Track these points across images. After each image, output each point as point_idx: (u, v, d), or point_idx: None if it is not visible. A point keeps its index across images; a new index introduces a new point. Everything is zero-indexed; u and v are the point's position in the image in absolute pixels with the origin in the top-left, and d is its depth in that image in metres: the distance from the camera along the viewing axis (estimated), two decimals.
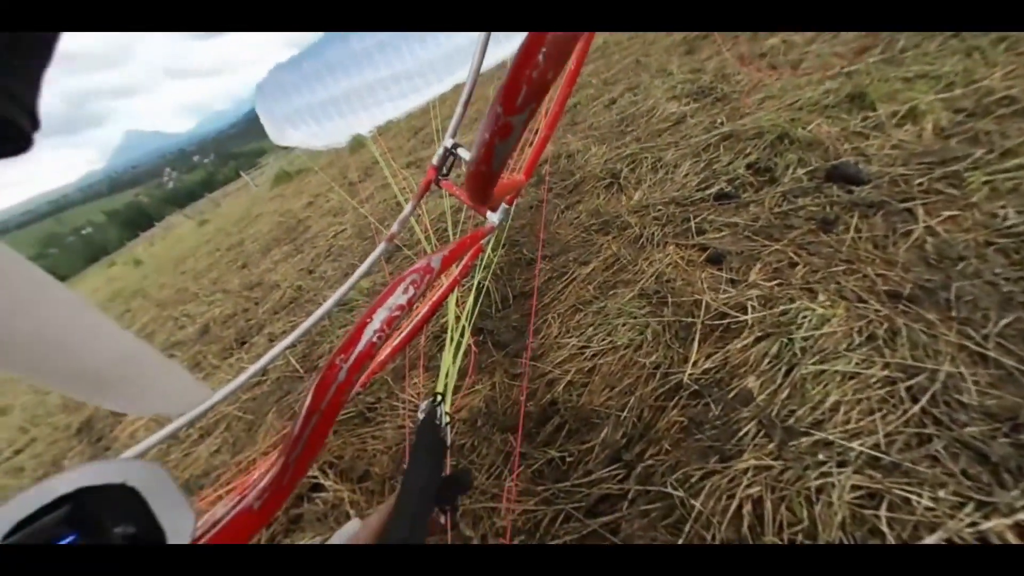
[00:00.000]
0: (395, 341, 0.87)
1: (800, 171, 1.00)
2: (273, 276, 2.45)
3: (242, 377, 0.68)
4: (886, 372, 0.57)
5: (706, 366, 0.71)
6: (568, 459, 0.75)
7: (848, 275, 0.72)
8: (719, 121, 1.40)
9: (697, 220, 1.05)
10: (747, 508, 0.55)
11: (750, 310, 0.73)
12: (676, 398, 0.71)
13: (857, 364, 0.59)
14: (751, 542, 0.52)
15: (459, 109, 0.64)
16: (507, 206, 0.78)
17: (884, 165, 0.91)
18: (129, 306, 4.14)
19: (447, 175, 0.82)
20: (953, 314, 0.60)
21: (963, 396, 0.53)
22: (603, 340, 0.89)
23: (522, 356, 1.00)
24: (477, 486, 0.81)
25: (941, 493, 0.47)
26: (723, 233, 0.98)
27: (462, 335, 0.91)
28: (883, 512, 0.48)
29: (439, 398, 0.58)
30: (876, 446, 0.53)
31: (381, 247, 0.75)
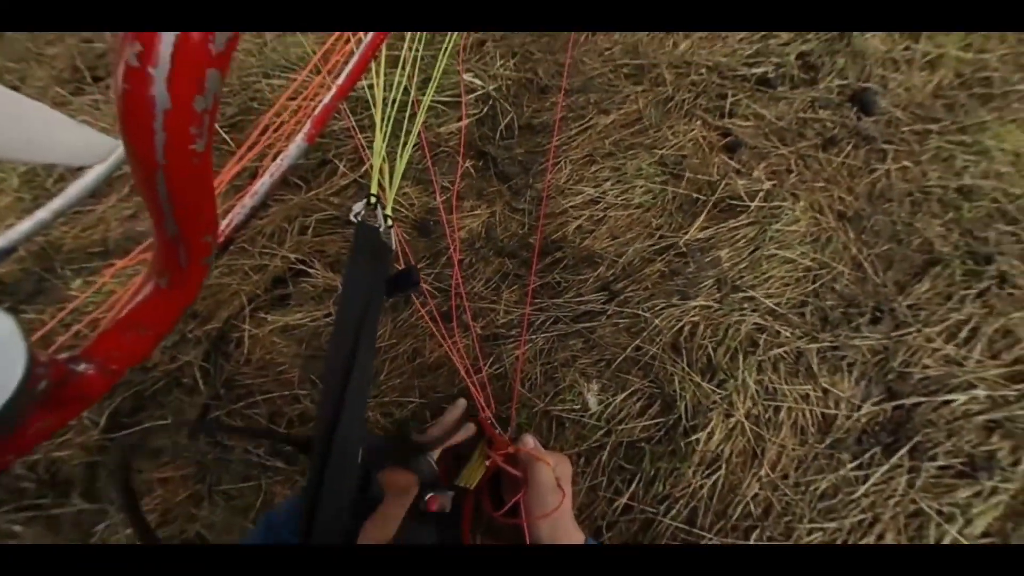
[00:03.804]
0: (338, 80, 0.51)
1: (836, 82, 1.04)
2: None
3: None
4: (808, 263, 0.84)
5: (699, 236, 0.89)
6: (563, 284, 0.92)
7: (822, 192, 0.91)
8: None
9: (733, 100, 1.05)
10: (688, 327, 0.83)
11: (757, 199, 0.88)
12: (665, 254, 0.89)
13: (797, 255, 0.84)
14: (684, 349, 0.81)
15: None
16: None
17: (891, 103, 1.02)
18: None
19: None
20: (864, 237, 0.86)
21: (836, 285, 0.83)
22: (618, 196, 0.96)
23: (525, 194, 1.02)
24: (476, 293, 0.94)
25: (798, 331, 0.79)
26: (748, 123, 1.03)
27: (406, 115, 0.56)
28: (763, 336, 0.80)
29: (373, 199, 0.48)
30: (777, 304, 0.82)
31: None
